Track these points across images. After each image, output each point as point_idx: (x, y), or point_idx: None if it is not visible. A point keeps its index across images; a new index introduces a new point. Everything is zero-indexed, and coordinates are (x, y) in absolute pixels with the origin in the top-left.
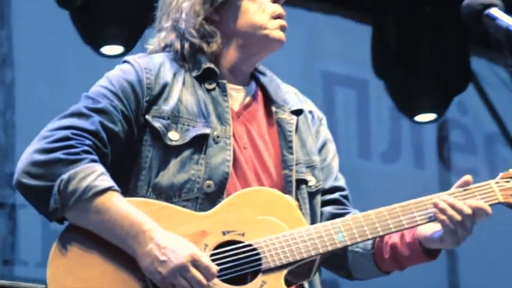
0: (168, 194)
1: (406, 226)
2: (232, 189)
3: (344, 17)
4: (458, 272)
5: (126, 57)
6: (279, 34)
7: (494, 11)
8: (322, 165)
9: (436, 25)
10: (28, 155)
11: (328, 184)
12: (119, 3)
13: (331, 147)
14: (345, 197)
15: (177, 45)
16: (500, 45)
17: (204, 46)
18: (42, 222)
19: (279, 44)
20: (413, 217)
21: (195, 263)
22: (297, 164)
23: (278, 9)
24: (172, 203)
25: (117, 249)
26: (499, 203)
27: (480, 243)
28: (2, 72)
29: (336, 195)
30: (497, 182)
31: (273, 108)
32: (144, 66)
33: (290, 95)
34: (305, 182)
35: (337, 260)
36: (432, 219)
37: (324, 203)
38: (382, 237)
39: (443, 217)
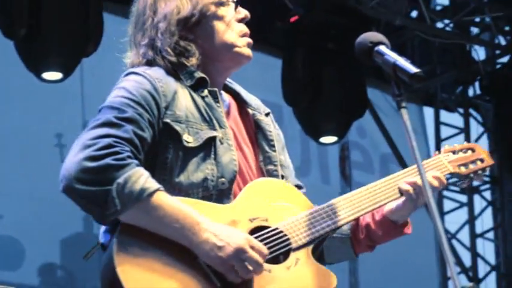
0: (187, 191)
1: (383, 202)
2: (237, 185)
3: (260, 51)
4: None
5: (133, 70)
6: (247, 51)
7: (382, 48)
8: (286, 164)
9: (337, 59)
10: (77, 163)
11: (294, 183)
12: (59, 34)
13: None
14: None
15: (161, 61)
16: (389, 77)
17: (184, 61)
18: None
19: (248, 60)
20: (389, 193)
21: (251, 245)
22: (279, 162)
23: (244, 28)
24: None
25: (171, 243)
26: (451, 173)
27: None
28: None
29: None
30: (444, 156)
31: (250, 111)
32: (155, 77)
33: (256, 101)
34: (284, 178)
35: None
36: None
37: None
38: (357, 220)
39: (405, 187)
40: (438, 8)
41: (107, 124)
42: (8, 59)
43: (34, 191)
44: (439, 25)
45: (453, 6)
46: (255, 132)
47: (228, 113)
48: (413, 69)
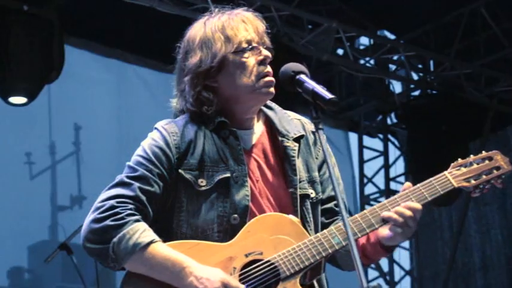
0: (203, 228)
1: (376, 226)
2: (252, 217)
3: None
4: None
5: (156, 125)
6: (266, 90)
7: (303, 77)
8: (321, 179)
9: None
10: (87, 225)
11: (326, 194)
12: (25, 63)
13: (332, 161)
14: (337, 205)
15: (187, 111)
16: (308, 102)
17: (205, 111)
18: None
19: (268, 97)
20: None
21: (226, 286)
22: (300, 182)
23: (264, 68)
24: (207, 235)
25: (168, 285)
26: (455, 188)
27: None
28: None
29: (330, 204)
30: (450, 172)
31: (279, 138)
32: (170, 131)
33: (293, 122)
34: (308, 196)
35: (331, 258)
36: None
37: (321, 212)
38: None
39: (392, 224)
40: (361, 47)
41: (119, 184)
42: None
43: (5, 203)
44: (362, 62)
45: (373, 45)
46: (282, 158)
47: (255, 145)
48: (328, 95)
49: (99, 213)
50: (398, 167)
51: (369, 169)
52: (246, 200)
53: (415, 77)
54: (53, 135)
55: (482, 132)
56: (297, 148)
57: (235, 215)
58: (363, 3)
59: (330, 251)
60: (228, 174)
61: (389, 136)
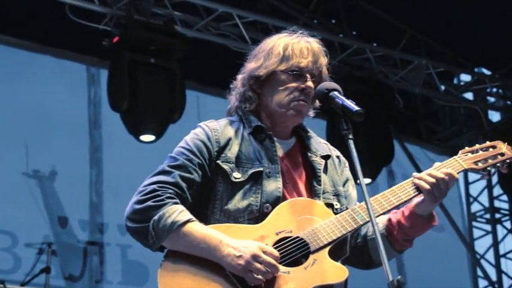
0: (235, 215)
1: (404, 199)
2: None
3: None
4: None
5: (200, 123)
6: (292, 113)
7: (335, 93)
8: (345, 195)
9: (366, 120)
10: (130, 206)
11: (350, 207)
12: (152, 107)
13: (351, 183)
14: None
15: (231, 106)
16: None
17: (243, 105)
18: (121, 254)
19: (293, 120)
20: (407, 191)
21: (263, 250)
22: (324, 193)
23: (301, 96)
24: (238, 222)
25: (204, 261)
26: (464, 169)
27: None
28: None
29: None
30: (459, 157)
31: (308, 154)
32: (212, 128)
33: (322, 145)
34: (332, 205)
35: (360, 252)
36: (417, 191)
37: None
38: (390, 219)
39: (421, 183)
40: (461, 83)
41: (161, 172)
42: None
43: None
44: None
45: (475, 81)
46: (309, 171)
47: (287, 154)
48: (355, 108)
49: (142, 196)
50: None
51: (474, 189)
52: (278, 192)
53: None
54: None
55: None
56: (323, 164)
57: (268, 204)
58: (461, 45)
59: (354, 226)
60: (261, 169)
61: None
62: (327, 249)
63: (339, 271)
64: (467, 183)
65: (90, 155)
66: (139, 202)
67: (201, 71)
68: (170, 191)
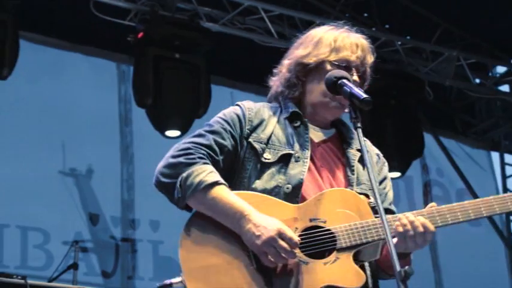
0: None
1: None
2: (308, 192)
3: None
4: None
5: (237, 102)
6: (333, 105)
7: (344, 81)
8: (381, 192)
9: (398, 113)
10: (165, 159)
11: (384, 206)
12: (176, 102)
13: (388, 183)
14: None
15: (274, 92)
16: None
17: (286, 92)
18: (153, 250)
19: (333, 112)
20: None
21: (281, 235)
22: (359, 184)
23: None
24: None
25: (228, 228)
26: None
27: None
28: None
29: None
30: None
31: (344, 146)
32: (248, 107)
33: (357, 141)
34: (367, 196)
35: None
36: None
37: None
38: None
39: (399, 229)
40: (497, 75)
41: (197, 135)
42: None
43: None
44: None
45: (508, 72)
46: (344, 163)
47: (324, 142)
48: (363, 95)
49: (175, 151)
50: None
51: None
52: (301, 175)
53: None
54: None
55: None
56: (357, 155)
57: (289, 185)
58: (497, 37)
59: (383, 236)
60: (291, 152)
61: None
62: (353, 251)
63: (355, 276)
64: (504, 177)
65: (121, 152)
66: (172, 157)
67: (225, 64)
68: (203, 151)
